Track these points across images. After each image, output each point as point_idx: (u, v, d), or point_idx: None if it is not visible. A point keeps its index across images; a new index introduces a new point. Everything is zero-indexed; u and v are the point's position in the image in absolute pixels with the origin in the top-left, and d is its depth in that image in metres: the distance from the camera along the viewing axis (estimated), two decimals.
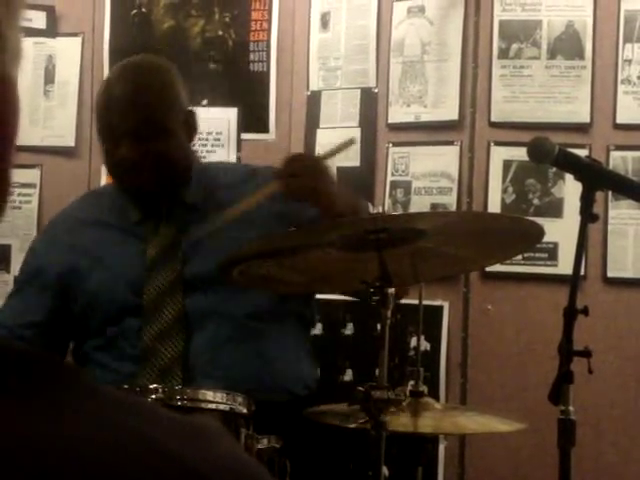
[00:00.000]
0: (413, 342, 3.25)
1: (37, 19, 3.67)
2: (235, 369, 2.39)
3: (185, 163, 2.55)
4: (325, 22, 3.55)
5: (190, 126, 2.55)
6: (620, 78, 3.25)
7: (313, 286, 2.31)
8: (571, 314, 2.11)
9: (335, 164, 3.48)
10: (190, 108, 2.57)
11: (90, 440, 0.57)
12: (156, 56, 2.85)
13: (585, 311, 2.11)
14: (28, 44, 3.66)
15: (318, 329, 3.24)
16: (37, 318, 2.53)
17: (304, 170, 2.40)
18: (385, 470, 1.97)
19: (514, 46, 3.33)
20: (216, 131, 3.58)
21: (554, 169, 3.11)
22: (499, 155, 3.32)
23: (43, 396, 0.59)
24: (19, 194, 3.71)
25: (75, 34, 3.73)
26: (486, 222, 2.23)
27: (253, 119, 3.60)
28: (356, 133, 3.47)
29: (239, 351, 2.44)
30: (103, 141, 2.52)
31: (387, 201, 3.37)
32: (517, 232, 2.17)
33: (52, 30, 3.74)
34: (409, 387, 2.15)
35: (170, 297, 2.47)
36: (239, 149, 3.60)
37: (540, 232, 2.11)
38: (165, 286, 2.48)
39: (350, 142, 2.45)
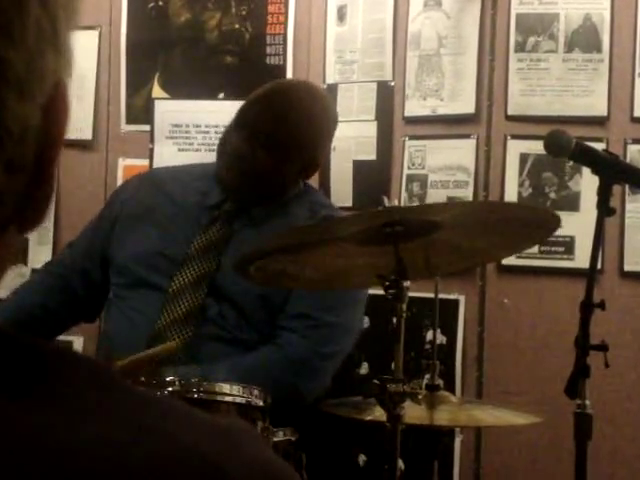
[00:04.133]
0: (429, 336, 3.25)
1: None
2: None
3: (274, 190, 2.59)
4: (342, 15, 3.54)
5: (306, 172, 2.61)
6: (638, 71, 3.23)
7: (329, 283, 2.32)
8: (588, 308, 2.10)
9: (352, 158, 3.49)
10: (318, 163, 2.63)
11: (110, 440, 0.56)
12: (334, 110, 2.85)
13: (602, 305, 2.11)
14: None
15: None
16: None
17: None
18: (401, 463, 1.97)
19: (531, 39, 3.32)
20: None
21: (571, 163, 3.10)
22: (516, 148, 3.31)
23: (66, 396, 0.58)
24: None
25: (92, 27, 3.72)
26: (502, 212, 2.22)
27: None
28: (372, 126, 3.47)
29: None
30: (236, 122, 2.60)
31: (403, 194, 3.37)
32: (533, 222, 2.16)
33: None
34: (425, 380, 2.16)
35: (192, 293, 2.50)
36: None
37: (556, 221, 2.11)
38: (191, 282, 2.51)
39: (173, 347, 2.40)
